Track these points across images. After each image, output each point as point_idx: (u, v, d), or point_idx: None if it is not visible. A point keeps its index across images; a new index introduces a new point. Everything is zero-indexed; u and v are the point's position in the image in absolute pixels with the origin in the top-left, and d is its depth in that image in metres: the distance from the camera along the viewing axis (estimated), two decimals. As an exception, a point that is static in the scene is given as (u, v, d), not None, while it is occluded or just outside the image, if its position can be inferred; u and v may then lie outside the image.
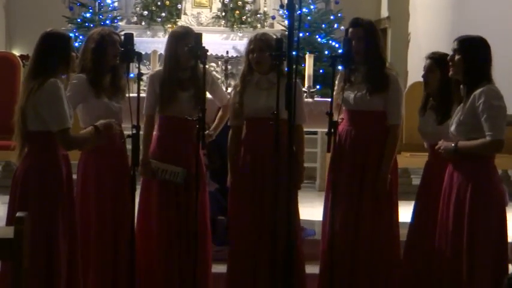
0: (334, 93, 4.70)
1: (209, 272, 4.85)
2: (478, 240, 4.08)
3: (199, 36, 4.56)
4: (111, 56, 4.58)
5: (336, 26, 11.88)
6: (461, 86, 4.19)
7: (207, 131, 4.77)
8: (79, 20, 11.66)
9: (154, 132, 4.82)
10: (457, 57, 4.15)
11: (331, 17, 11.83)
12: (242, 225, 4.77)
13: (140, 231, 4.77)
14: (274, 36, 4.87)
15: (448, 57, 4.23)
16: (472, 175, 4.11)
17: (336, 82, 4.81)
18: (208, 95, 4.78)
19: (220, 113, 5.02)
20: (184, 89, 4.72)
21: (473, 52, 4.13)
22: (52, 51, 4.13)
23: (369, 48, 4.70)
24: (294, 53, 3.65)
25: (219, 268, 5.03)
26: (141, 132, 4.46)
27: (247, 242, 4.73)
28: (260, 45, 4.67)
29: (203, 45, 4.47)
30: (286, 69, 3.97)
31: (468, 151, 4.11)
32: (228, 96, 5.01)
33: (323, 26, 11.84)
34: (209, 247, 4.86)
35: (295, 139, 4.66)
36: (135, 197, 4.45)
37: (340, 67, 4.84)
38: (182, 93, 4.71)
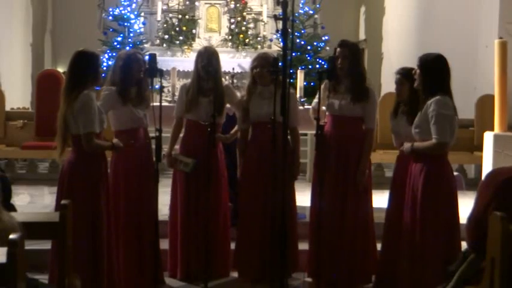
0: (316, 100, 4.77)
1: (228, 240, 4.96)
2: (428, 220, 4.06)
3: (211, 55, 4.63)
4: (136, 71, 4.56)
5: (322, 45, 11.93)
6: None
7: (224, 135, 4.87)
8: (113, 43, 11.71)
9: (181, 135, 4.92)
10: (417, 71, 4.15)
11: (321, 43, 11.85)
12: (250, 208, 4.80)
13: (171, 215, 4.89)
14: (273, 55, 4.90)
15: (413, 72, 4.24)
16: (425, 165, 4.11)
17: (322, 91, 4.81)
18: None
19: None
20: (205, 96, 4.74)
21: (429, 67, 4.11)
22: (83, 67, 4.07)
23: (353, 66, 4.67)
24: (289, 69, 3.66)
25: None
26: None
27: (254, 221, 4.77)
28: (262, 63, 4.73)
29: (212, 62, 4.57)
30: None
31: (421, 150, 4.13)
32: None
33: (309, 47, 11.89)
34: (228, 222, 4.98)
35: (292, 139, 4.72)
36: (159, 187, 4.43)
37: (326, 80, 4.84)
38: (202, 99, 4.74)
